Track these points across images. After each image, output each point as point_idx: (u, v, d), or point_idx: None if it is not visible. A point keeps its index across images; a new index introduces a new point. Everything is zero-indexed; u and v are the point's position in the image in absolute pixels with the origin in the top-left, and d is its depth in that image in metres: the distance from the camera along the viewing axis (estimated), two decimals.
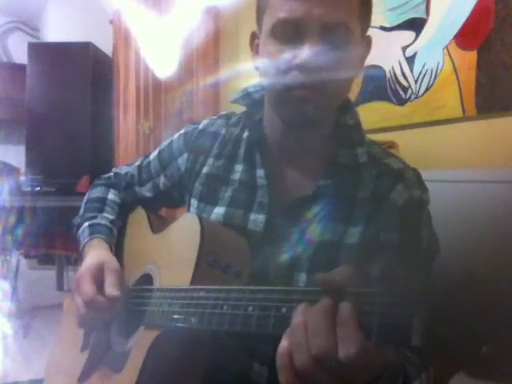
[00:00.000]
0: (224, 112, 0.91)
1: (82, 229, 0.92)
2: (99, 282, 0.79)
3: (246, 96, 0.82)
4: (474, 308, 0.34)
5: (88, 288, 0.77)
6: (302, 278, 0.71)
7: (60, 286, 3.62)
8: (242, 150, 0.81)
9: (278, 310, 0.49)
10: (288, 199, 0.75)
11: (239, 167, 0.80)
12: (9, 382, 2.05)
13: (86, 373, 0.82)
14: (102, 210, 0.95)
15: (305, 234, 0.73)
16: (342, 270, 0.46)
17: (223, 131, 0.85)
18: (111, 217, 0.94)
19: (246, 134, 0.82)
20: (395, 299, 0.39)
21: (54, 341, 1.00)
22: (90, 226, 0.91)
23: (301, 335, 0.44)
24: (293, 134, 0.76)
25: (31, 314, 2.97)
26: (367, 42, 0.77)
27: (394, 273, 0.40)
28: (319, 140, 0.77)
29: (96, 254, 0.85)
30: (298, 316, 0.45)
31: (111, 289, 0.77)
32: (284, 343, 0.46)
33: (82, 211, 0.98)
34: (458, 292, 0.36)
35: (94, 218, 0.93)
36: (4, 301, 2.89)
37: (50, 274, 3.69)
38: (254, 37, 0.78)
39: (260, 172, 0.77)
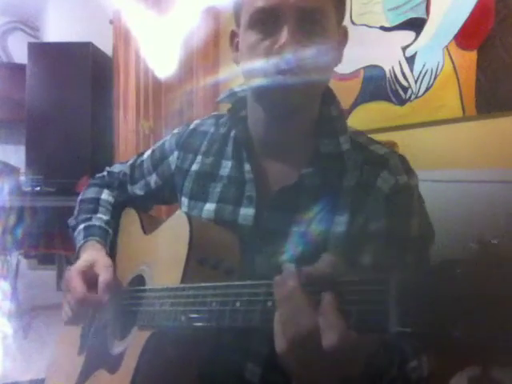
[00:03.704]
0: (215, 113, 0.92)
1: (77, 231, 0.93)
2: (90, 280, 0.80)
3: (231, 95, 0.83)
4: (449, 294, 0.35)
5: (79, 286, 0.78)
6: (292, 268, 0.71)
7: (60, 286, 3.61)
8: (229, 148, 0.82)
9: (264, 303, 0.50)
10: (273, 191, 0.76)
11: (227, 163, 0.81)
12: (9, 382, 2.05)
13: (83, 375, 0.82)
14: (96, 211, 0.96)
15: (292, 224, 0.73)
16: (325, 260, 0.47)
17: (212, 129, 0.87)
18: (106, 217, 0.95)
19: (233, 132, 0.82)
20: (372, 286, 0.41)
21: (55, 342, 1.00)
22: (85, 228, 0.92)
23: (286, 310, 0.46)
24: (276, 126, 0.76)
25: (31, 314, 2.98)
26: (344, 32, 0.78)
27: (381, 263, 0.41)
28: (303, 131, 0.77)
29: (88, 254, 0.86)
30: (280, 291, 0.47)
31: (104, 284, 0.78)
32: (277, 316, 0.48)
33: (76, 212, 0.98)
34: (436, 279, 0.37)
35: (89, 219, 0.94)
36: (4, 301, 2.89)
37: (49, 274, 3.69)
38: (233, 35, 0.80)
39: (247, 166, 0.78)
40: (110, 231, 0.94)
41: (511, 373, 0.34)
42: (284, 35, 0.67)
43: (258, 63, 0.70)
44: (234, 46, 0.79)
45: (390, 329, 0.38)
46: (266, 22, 0.69)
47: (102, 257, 0.85)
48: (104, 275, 0.79)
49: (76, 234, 0.93)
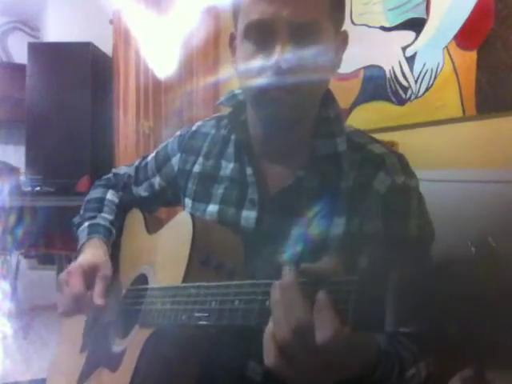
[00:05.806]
0: (217, 114, 0.93)
1: (81, 228, 0.94)
2: (89, 282, 0.80)
3: (232, 98, 0.83)
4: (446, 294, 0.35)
5: (77, 284, 0.79)
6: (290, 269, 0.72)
7: (60, 286, 3.61)
8: (231, 149, 0.82)
9: (262, 303, 0.50)
10: (273, 193, 0.76)
11: (229, 165, 0.82)
12: (9, 382, 2.05)
13: (84, 374, 0.82)
14: (100, 210, 0.97)
15: (291, 225, 0.73)
16: (325, 260, 0.48)
17: (213, 131, 0.87)
18: (110, 217, 0.96)
19: (234, 135, 0.82)
20: (369, 286, 0.41)
21: (55, 342, 1.00)
22: (89, 225, 0.93)
23: (280, 311, 0.46)
24: (274, 132, 0.77)
25: (31, 314, 2.97)
26: (343, 37, 0.77)
27: (379, 263, 0.42)
28: (301, 135, 0.77)
29: (92, 253, 0.86)
30: (275, 292, 0.47)
31: (98, 297, 0.78)
32: (269, 324, 0.47)
33: (81, 211, 1.00)
34: (433, 279, 0.37)
35: (94, 218, 0.95)
36: (4, 301, 2.89)
37: (49, 274, 3.68)
38: (232, 38, 0.79)
39: (249, 170, 0.78)
40: (114, 231, 0.95)
41: (507, 374, 0.34)
42: (277, 52, 0.66)
43: (252, 76, 0.70)
44: (233, 49, 0.79)
45: (387, 328, 0.38)
46: (260, 35, 0.68)
47: (103, 260, 0.85)
48: (100, 286, 0.80)
49: (80, 231, 0.94)
